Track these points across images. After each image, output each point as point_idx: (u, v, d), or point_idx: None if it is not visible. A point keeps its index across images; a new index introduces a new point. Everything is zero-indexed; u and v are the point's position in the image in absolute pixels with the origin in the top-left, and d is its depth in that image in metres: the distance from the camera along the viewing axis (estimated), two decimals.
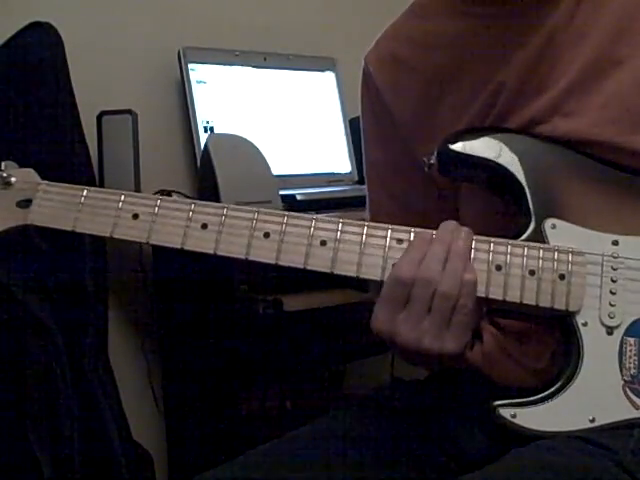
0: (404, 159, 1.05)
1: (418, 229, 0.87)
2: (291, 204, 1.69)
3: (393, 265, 0.86)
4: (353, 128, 2.05)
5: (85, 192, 0.92)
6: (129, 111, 1.75)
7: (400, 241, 0.87)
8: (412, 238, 0.87)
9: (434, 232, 0.86)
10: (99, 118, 1.74)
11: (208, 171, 1.63)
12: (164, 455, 1.92)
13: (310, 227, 0.88)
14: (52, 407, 1.57)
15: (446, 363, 0.89)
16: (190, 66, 1.90)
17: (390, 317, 0.84)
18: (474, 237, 0.87)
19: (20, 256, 1.54)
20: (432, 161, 0.93)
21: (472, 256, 0.86)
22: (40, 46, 1.64)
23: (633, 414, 0.84)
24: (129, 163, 1.74)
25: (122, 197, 0.91)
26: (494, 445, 0.91)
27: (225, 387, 1.74)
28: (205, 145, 1.68)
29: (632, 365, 0.84)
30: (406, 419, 0.99)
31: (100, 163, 1.74)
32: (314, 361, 1.86)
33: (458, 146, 0.92)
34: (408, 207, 1.06)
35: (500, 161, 0.90)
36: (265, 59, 2.02)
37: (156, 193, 1.78)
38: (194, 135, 1.88)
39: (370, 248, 0.87)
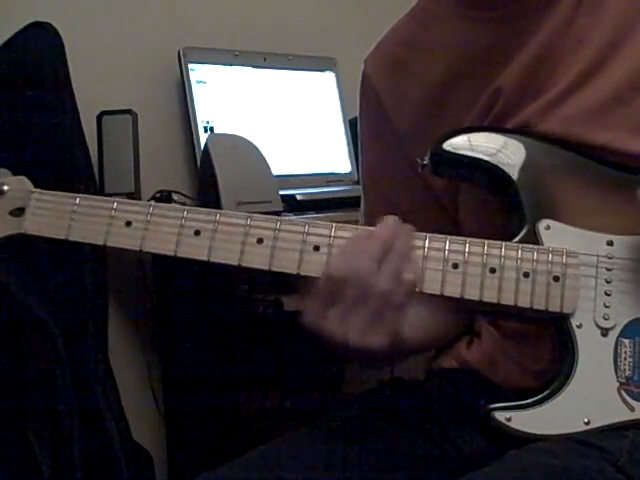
0: (401, 162, 1.04)
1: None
2: (291, 204, 1.69)
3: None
4: (353, 128, 2.05)
5: (78, 200, 0.90)
6: (129, 111, 1.75)
7: None
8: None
9: (374, 229, 0.86)
10: (99, 118, 1.74)
11: (208, 171, 1.63)
12: (164, 455, 1.92)
13: (303, 232, 0.87)
14: (52, 407, 1.57)
15: (378, 359, 0.89)
16: (190, 66, 1.90)
17: (320, 312, 0.84)
18: (468, 240, 0.86)
19: (20, 256, 1.54)
20: (425, 162, 0.93)
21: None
22: (40, 46, 1.64)
23: (628, 416, 0.83)
24: (129, 163, 1.74)
25: (115, 204, 0.89)
26: (493, 446, 0.91)
27: (225, 387, 1.74)
28: (205, 145, 1.68)
29: (627, 367, 0.84)
30: (406, 419, 0.99)
31: (100, 163, 1.74)
32: (314, 361, 1.85)
33: (450, 146, 0.91)
34: (403, 217, 1.05)
35: (492, 160, 0.90)
36: (265, 59, 2.02)
37: (156, 193, 1.78)
38: (194, 135, 1.88)
39: None
